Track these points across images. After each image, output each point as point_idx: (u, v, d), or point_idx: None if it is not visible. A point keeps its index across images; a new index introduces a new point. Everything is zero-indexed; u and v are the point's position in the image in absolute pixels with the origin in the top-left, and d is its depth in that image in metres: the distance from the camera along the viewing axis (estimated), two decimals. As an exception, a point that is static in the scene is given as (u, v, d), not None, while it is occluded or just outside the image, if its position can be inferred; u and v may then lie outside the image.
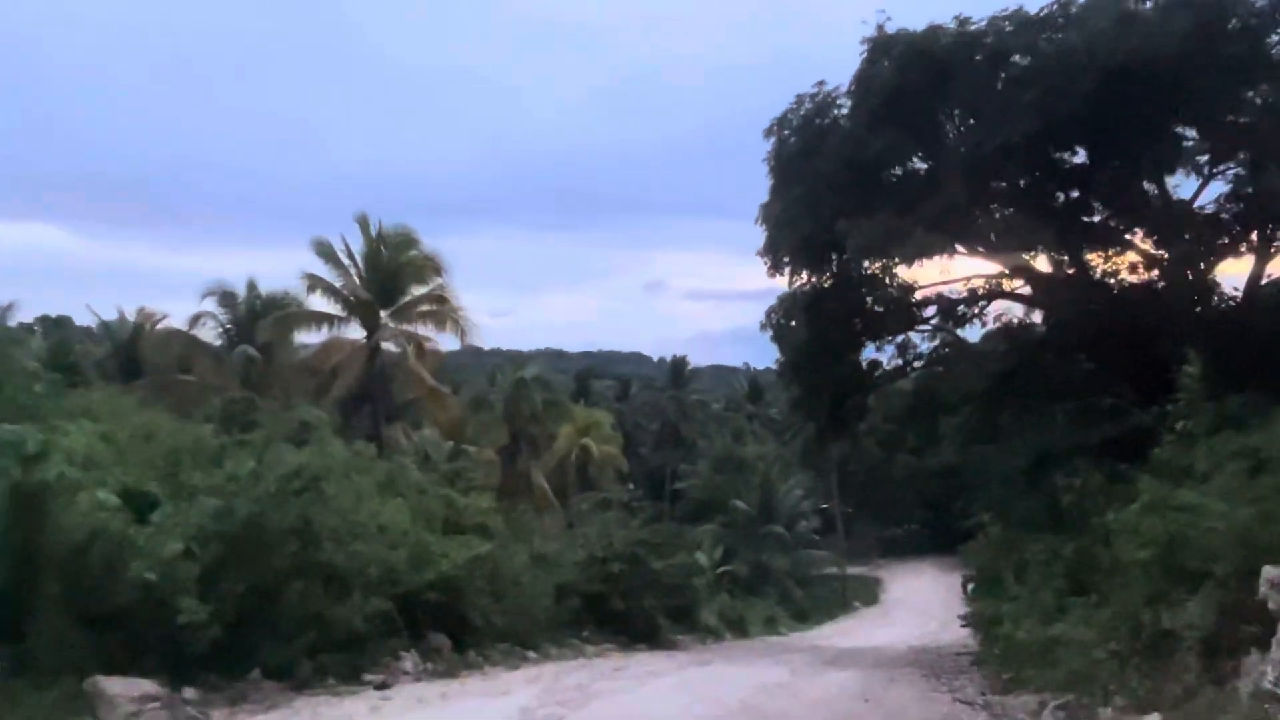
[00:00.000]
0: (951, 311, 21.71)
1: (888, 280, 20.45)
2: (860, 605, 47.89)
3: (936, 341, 24.42)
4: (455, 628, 13.22)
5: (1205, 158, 19.07)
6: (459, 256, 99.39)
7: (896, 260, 16.39)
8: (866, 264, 18.37)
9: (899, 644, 27.90)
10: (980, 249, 18.23)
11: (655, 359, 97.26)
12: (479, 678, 11.77)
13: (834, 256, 18.61)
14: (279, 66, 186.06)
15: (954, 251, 18.76)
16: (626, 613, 19.37)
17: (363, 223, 27.48)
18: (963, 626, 34.52)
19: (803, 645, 24.94)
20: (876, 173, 15.89)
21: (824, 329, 20.80)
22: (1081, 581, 12.24)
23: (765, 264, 21.30)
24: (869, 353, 24.03)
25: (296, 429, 26.00)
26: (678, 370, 60.12)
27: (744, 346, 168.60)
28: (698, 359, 77.43)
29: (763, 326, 23.38)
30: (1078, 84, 14.16)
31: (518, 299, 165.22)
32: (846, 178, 16.11)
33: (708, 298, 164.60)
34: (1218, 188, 18.99)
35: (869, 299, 21.35)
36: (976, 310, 21.16)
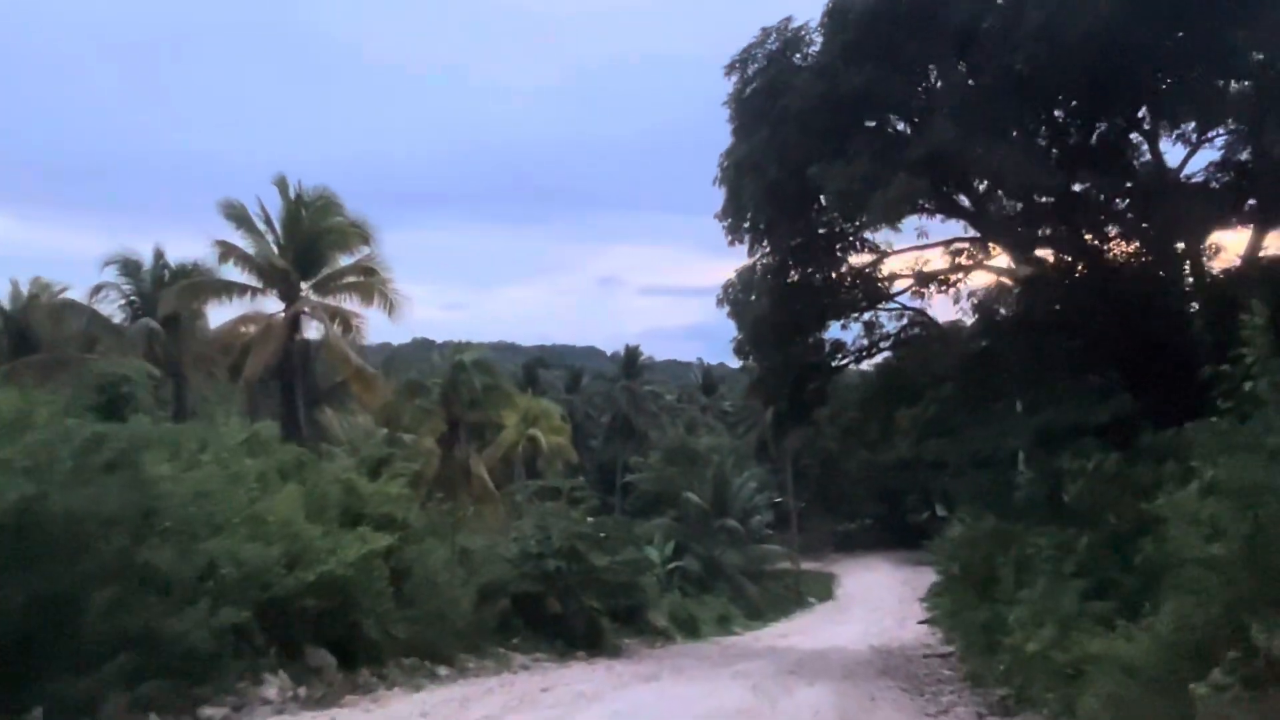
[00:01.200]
0: (927, 282, 19.58)
1: (859, 244, 18.21)
2: (815, 601, 45.89)
3: (904, 321, 22.47)
4: (344, 641, 10.56)
5: (1192, 125, 17.32)
6: (412, 249, 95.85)
7: (873, 216, 13.98)
8: (839, 221, 16.05)
9: (859, 643, 26.03)
10: (967, 202, 16.00)
11: (609, 353, 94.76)
12: (364, 706, 9.13)
13: (801, 217, 16.27)
14: (231, 55, 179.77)
15: (936, 208, 16.55)
16: (565, 615, 16.83)
17: (281, 185, 24.49)
18: (920, 623, 32.92)
19: (760, 648, 22.63)
20: (854, 113, 13.53)
21: (787, 300, 18.54)
22: (1106, 583, 10.02)
23: (724, 229, 19.00)
24: (832, 333, 22.18)
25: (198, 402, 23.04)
26: (630, 360, 57.51)
27: (698, 343, 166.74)
28: (651, 354, 75.15)
29: (719, 301, 21.22)
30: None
31: (471, 293, 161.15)
32: (820, 119, 13.72)
33: (662, 293, 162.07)
34: (1206, 157, 17.23)
35: (837, 269, 19.15)
36: (954, 280, 19.02)
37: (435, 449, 33.37)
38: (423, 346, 69.59)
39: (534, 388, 52.74)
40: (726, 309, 21.16)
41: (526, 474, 49.41)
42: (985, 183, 16.71)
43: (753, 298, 19.59)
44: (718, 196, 17.90)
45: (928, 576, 49.52)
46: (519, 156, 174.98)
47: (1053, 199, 16.75)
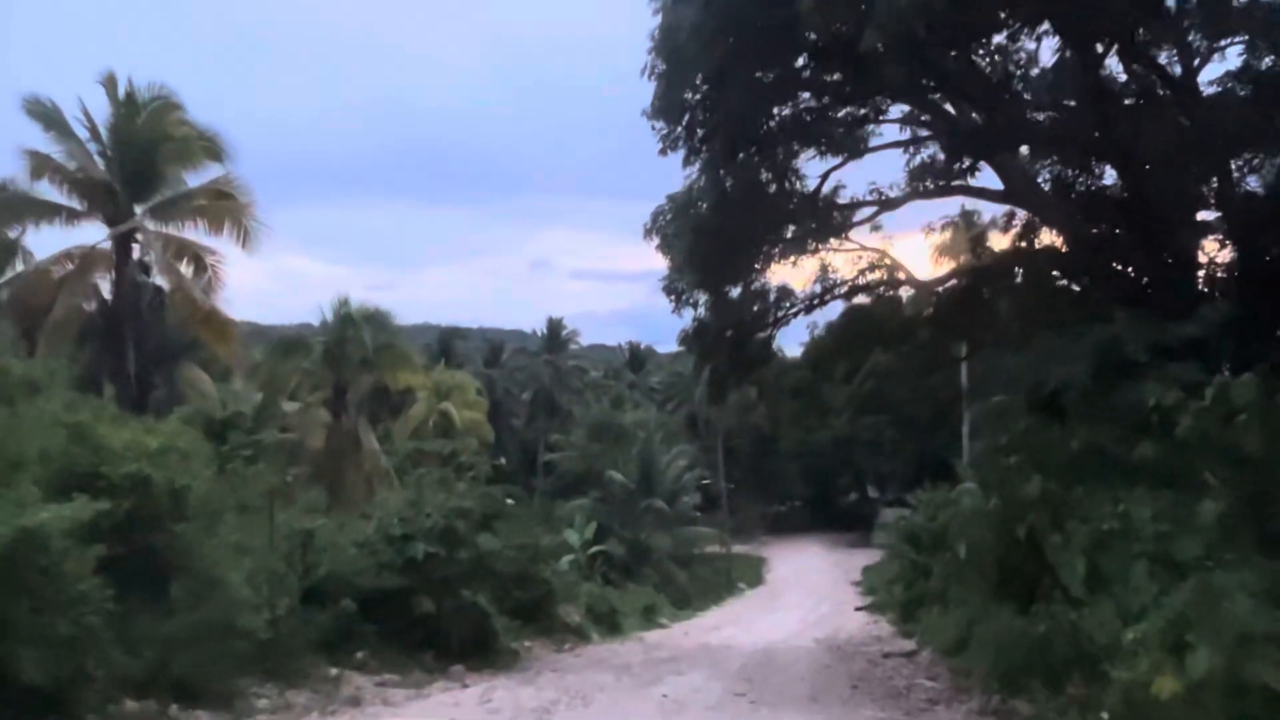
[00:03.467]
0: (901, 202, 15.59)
1: (825, 143, 14.02)
2: (745, 587, 41.99)
3: (863, 264, 18.57)
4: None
5: (1199, 36, 13.78)
6: (335, 227, 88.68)
7: (872, 36, 9.59)
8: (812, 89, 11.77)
9: (802, 635, 22.25)
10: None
11: (539, 336, 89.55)
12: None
13: (764, 67, 11.87)
14: (144, 18, 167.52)
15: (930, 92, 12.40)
16: (439, 617, 12.24)
17: (109, 84, 19.17)
18: (858, 609, 29.43)
19: (691, 647, 18.37)
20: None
21: (733, 210, 14.33)
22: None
23: (655, 131, 14.68)
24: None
25: None
26: (554, 333, 52.57)
27: (628, 328, 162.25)
28: (580, 339, 69.54)
29: (647, 232, 17.07)
30: None
31: (396, 274, 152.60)
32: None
33: (592, 277, 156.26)
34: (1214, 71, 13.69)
35: (793, 184, 15.00)
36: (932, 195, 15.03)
37: (323, 417, 28.28)
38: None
39: (449, 360, 47.68)
40: (655, 241, 16.97)
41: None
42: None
43: (687, 227, 15.36)
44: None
45: (861, 559, 46.38)
46: (448, 136, 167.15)
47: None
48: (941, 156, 13.58)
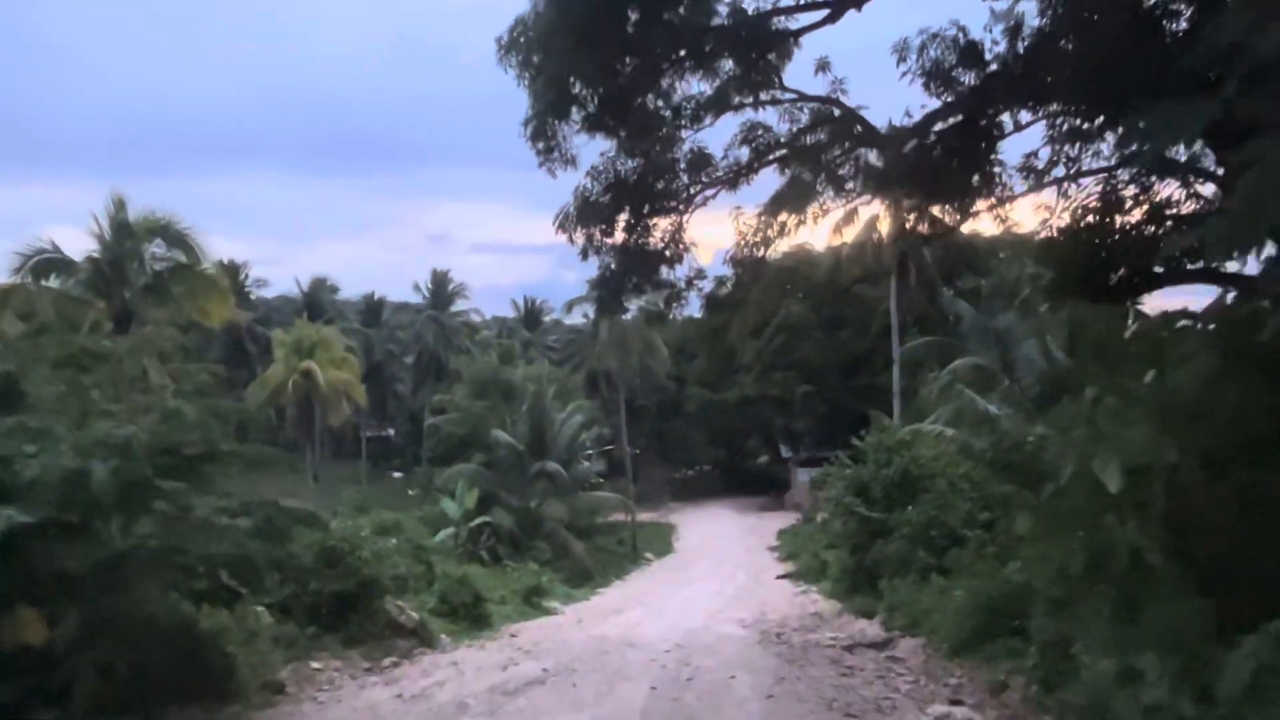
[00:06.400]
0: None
1: None
2: (652, 556, 36.60)
3: (805, 119, 13.22)
4: None
5: None
6: (221, 199, 78.30)
7: None
8: None
9: (722, 616, 17.20)
10: None
11: (425, 291, 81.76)
12: None
13: None
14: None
15: None
16: (62, 646, 6.05)
17: None
18: (779, 578, 24.71)
19: (580, 644, 12.60)
20: None
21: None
22: None
23: None
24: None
25: None
26: (439, 288, 45.46)
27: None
28: (481, 309, 62.05)
29: (503, 52, 11.26)
30: None
31: (290, 247, 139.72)
32: None
33: (492, 251, 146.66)
34: None
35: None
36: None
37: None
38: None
39: (314, 314, 40.39)
40: (513, 64, 11.16)
41: (302, 419, 37.43)
42: None
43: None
44: None
45: (774, 522, 41.62)
46: (341, 105, 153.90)
47: None
48: None
